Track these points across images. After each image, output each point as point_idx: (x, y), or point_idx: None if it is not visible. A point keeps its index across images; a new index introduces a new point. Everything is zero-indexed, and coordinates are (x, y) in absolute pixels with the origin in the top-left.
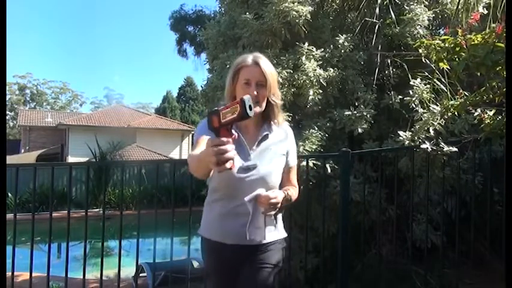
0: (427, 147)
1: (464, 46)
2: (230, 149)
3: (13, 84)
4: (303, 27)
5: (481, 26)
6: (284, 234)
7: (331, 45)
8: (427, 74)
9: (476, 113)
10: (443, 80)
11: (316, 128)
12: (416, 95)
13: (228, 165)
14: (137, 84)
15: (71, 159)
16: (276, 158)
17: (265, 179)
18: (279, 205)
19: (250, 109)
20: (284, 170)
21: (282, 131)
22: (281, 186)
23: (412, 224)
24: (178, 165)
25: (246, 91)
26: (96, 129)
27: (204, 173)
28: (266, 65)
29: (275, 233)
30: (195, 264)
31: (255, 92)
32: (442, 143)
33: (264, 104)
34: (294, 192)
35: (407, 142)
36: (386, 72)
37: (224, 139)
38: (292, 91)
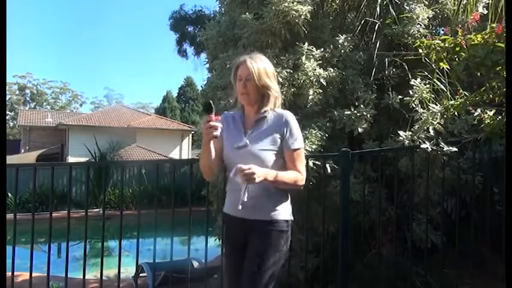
0: (427, 147)
1: (464, 46)
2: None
3: (13, 84)
4: (303, 27)
5: (481, 26)
6: (286, 217)
7: (331, 45)
8: (427, 74)
9: (476, 113)
10: (443, 80)
11: (316, 128)
12: (416, 95)
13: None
14: (137, 84)
15: (71, 159)
16: (268, 138)
17: (256, 155)
18: (259, 178)
19: (207, 109)
20: (285, 154)
21: (278, 116)
22: (285, 170)
23: (412, 224)
24: (178, 165)
25: (239, 86)
26: (96, 129)
27: (208, 163)
28: (253, 61)
29: (275, 213)
30: (195, 264)
31: (245, 85)
32: (442, 143)
33: (255, 95)
34: (292, 175)
35: (407, 142)
36: (386, 72)
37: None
38: (292, 91)
